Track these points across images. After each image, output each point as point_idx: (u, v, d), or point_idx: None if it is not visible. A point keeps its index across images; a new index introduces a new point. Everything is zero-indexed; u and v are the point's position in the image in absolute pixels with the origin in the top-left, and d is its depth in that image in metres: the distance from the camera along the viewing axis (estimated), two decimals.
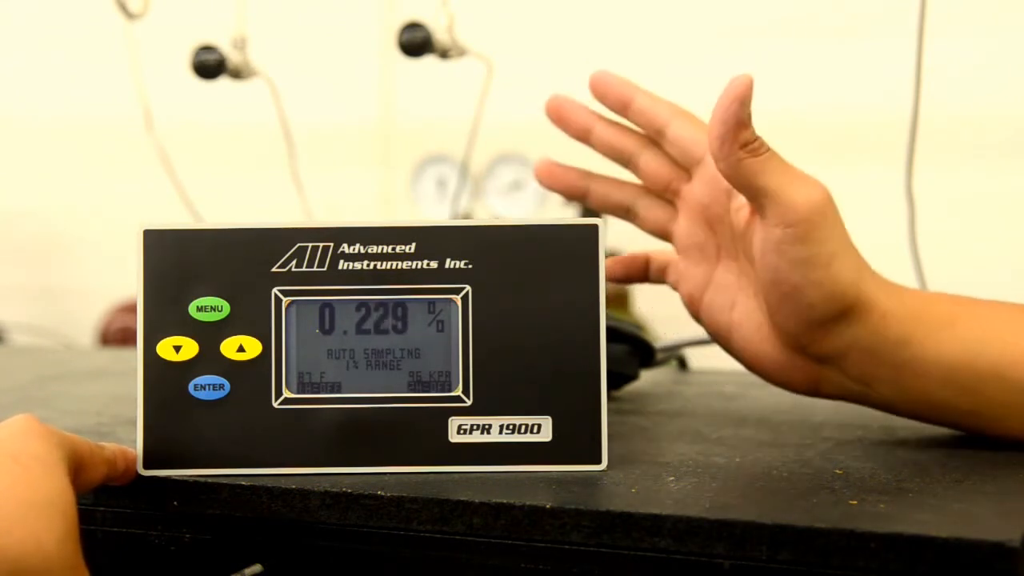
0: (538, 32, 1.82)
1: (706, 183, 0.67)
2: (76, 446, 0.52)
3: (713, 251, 0.68)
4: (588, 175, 0.72)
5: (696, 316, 0.69)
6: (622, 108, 0.70)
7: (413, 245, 0.58)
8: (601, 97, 0.71)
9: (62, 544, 0.45)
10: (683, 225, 0.69)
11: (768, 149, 0.60)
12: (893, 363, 0.62)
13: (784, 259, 0.60)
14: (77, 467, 0.52)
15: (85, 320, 1.98)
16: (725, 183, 0.62)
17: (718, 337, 0.68)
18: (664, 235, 0.71)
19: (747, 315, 0.66)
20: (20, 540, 0.44)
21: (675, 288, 0.71)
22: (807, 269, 0.60)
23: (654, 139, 0.70)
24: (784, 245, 0.60)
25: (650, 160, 0.70)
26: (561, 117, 0.72)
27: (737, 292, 0.66)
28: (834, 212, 0.61)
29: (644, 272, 0.73)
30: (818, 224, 0.60)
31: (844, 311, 0.61)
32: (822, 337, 0.62)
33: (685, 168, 0.68)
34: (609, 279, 0.74)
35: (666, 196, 0.70)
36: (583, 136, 0.71)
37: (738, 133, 0.59)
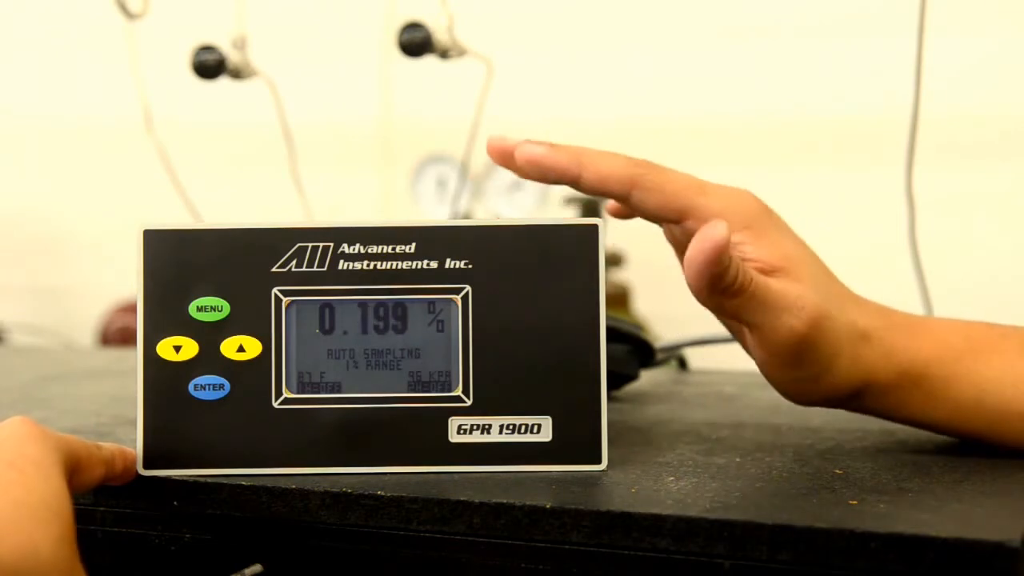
0: (538, 32, 1.82)
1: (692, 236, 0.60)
2: (73, 447, 0.52)
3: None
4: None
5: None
6: (572, 183, 0.61)
7: (413, 245, 0.58)
8: (543, 176, 0.61)
9: (58, 547, 0.45)
10: (679, 256, 0.64)
11: (749, 283, 0.56)
12: (894, 416, 0.64)
13: (775, 376, 0.61)
14: (74, 468, 0.52)
15: (85, 320, 1.98)
16: None
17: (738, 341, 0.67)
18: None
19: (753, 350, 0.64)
20: (16, 544, 0.44)
21: None
22: (798, 384, 0.61)
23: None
24: (772, 367, 0.61)
25: (624, 211, 0.64)
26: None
27: (750, 336, 0.62)
28: (826, 326, 0.59)
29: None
30: (806, 351, 0.59)
31: (843, 400, 0.62)
32: (820, 406, 0.63)
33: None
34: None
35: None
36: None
37: (716, 285, 0.56)
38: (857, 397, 0.62)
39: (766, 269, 0.59)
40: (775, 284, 0.58)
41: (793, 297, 0.58)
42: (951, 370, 0.62)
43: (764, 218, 0.61)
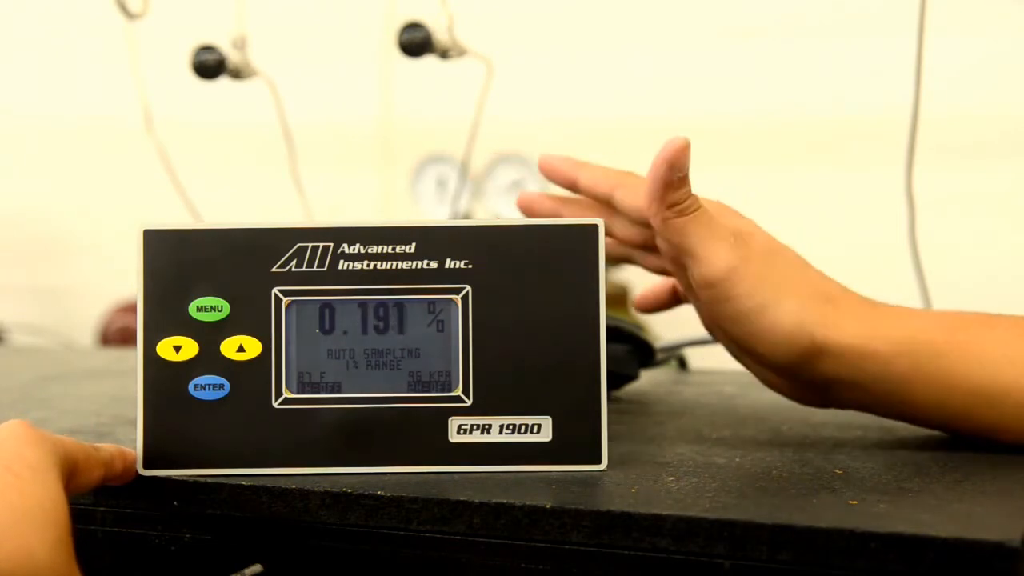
0: (538, 32, 1.82)
1: None
2: (70, 450, 0.52)
3: None
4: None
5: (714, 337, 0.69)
6: (571, 186, 0.71)
7: (413, 245, 0.58)
8: (550, 178, 0.72)
9: (53, 552, 0.45)
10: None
11: (696, 209, 0.60)
12: (881, 394, 0.62)
13: (717, 316, 0.62)
14: (71, 471, 0.51)
15: (85, 320, 1.98)
16: None
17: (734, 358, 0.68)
18: (666, 274, 0.72)
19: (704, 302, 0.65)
20: (11, 550, 0.44)
21: None
22: (740, 324, 0.61)
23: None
24: (711, 305, 0.62)
25: (621, 228, 0.70)
26: (532, 210, 0.73)
27: (689, 271, 0.64)
28: (760, 265, 0.61)
29: (673, 298, 0.74)
30: (735, 281, 0.60)
31: (800, 356, 0.61)
32: (798, 374, 0.62)
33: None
34: (642, 310, 0.75)
35: (651, 248, 0.70)
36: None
37: (666, 194, 0.60)
38: (825, 359, 0.61)
39: None
40: (720, 221, 0.61)
41: (729, 233, 0.61)
42: (943, 339, 0.61)
43: (730, 211, 0.64)
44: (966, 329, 0.62)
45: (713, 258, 0.60)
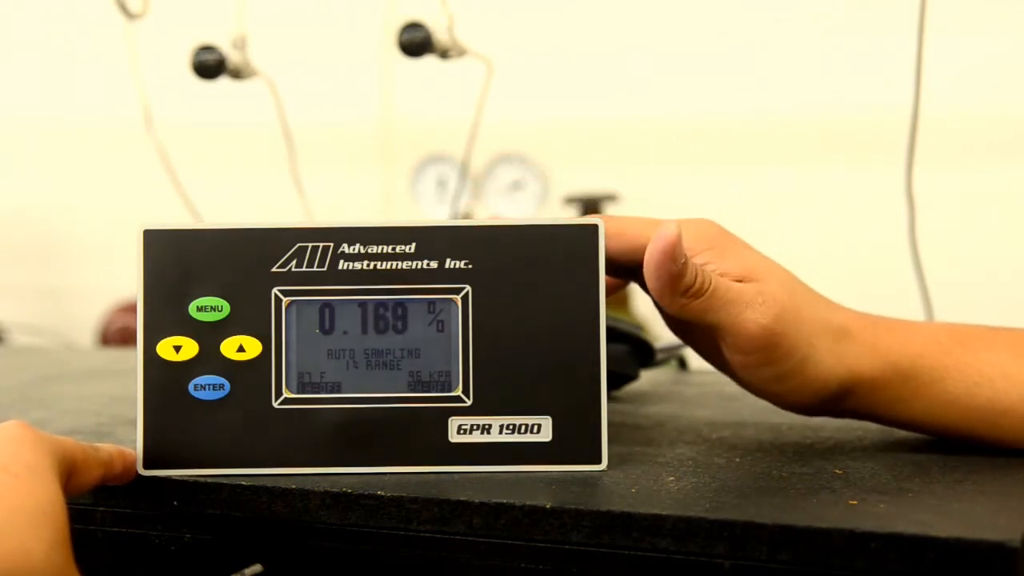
0: (538, 32, 1.82)
1: None
2: (69, 450, 0.52)
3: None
4: None
5: (685, 342, 0.67)
6: None
7: (413, 245, 0.58)
8: None
9: (51, 552, 0.45)
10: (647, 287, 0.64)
11: (709, 284, 0.58)
12: (887, 416, 0.63)
13: (754, 379, 0.61)
14: (70, 471, 0.51)
15: (85, 320, 1.98)
16: None
17: (713, 365, 0.66)
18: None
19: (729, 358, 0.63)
20: (8, 550, 0.44)
21: None
22: (779, 383, 0.61)
23: None
24: (749, 369, 0.60)
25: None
26: None
27: (720, 340, 0.62)
28: (793, 319, 0.59)
29: (623, 282, 0.68)
30: (776, 344, 0.59)
31: (828, 399, 0.62)
32: (819, 412, 0.63)
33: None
34: None
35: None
36: None
37: (675, 285, 0.57)
38: (847, 396, 0.62)
39: (733, 279, 0.60)
40: (736, 285, 0.59)
41: (754, 294, 0.59)
42: (941, 363, 0.62)
43: (726, 238, 0.62)
44: (965, 348, 0.62)
45: (749, 326, 0.58)
